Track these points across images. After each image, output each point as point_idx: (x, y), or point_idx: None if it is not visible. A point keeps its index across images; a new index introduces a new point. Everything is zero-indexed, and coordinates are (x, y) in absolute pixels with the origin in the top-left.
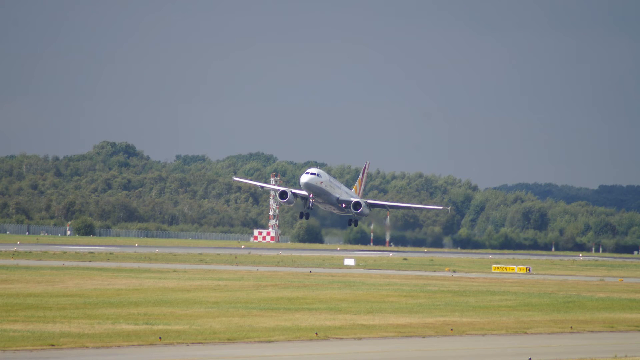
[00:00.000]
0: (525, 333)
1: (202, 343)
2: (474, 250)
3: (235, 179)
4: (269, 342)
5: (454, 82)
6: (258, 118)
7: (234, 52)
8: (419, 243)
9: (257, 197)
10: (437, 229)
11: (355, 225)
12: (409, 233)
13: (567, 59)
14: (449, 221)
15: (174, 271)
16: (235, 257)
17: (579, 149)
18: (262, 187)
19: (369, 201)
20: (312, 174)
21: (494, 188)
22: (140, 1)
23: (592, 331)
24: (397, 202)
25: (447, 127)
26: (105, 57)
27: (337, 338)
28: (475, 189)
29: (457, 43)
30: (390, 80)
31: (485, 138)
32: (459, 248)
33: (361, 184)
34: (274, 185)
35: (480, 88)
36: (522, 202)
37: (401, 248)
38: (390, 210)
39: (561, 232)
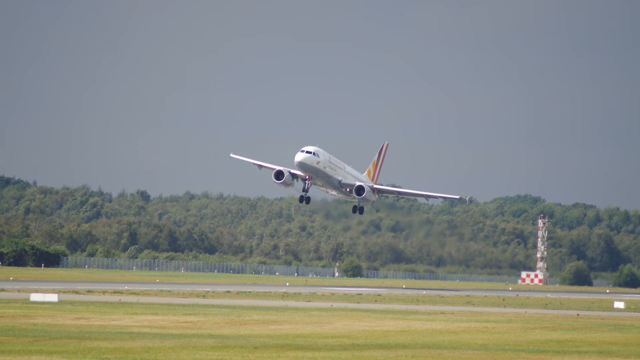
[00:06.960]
0: None
1: None
2: None
3: (232, 156)
4: None
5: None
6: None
7: None
8: None
9: (525, 238)
10: None
11: (361, 213)
12: None
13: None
14: None
15: (442, 313)
16: (503, 299)
17: None
18: (260, 166)
19: (376, 186)
20: (307, 152)
21: None
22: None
23: None
24: (409, 189)
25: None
26: None
27: None
28: None
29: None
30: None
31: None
32: None
33: (376, 167)
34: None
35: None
36: None
37: None
38: (400, 197)
39: None
